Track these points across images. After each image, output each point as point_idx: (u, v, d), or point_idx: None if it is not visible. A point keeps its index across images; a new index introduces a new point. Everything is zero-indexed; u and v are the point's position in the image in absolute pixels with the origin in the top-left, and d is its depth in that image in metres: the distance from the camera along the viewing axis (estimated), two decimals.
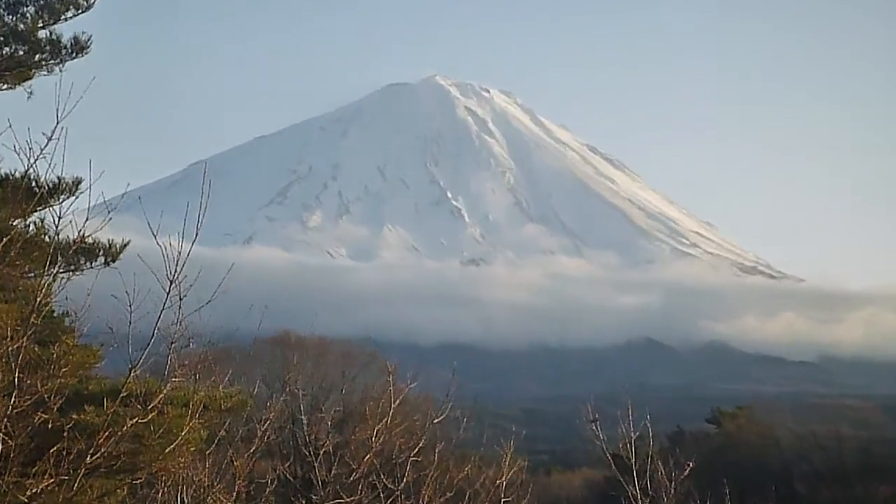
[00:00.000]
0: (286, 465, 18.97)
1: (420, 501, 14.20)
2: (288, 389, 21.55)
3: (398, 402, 14.59)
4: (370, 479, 14.05)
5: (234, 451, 13.76)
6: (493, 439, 16.11)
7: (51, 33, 12.10)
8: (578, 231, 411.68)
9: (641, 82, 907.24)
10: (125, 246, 12.16)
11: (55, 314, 11.37)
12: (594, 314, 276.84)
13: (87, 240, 10.71)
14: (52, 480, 9.54)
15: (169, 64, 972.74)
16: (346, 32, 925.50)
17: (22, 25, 11.92)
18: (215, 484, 12.68)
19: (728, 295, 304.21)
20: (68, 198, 11.15)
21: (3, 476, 9.35)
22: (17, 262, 10.61)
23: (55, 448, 9.54)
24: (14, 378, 9.18)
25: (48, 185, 11.08)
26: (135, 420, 9.62)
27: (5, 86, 12.16)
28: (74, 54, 12.12)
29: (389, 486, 13.93)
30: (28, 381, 9.37)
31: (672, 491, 13.94)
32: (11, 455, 9.34)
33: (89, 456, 9.49)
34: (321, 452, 14.77)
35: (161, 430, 10.05)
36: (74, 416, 9.76)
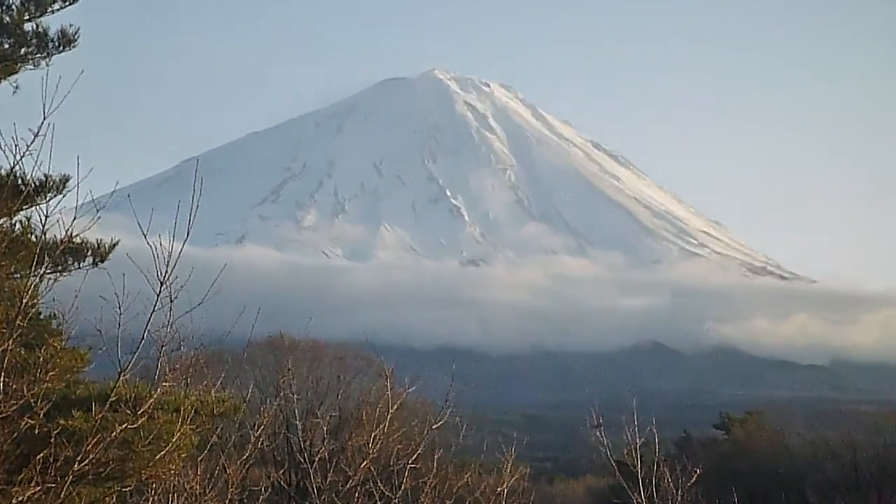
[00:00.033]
0: (280, 472, 18.89)
1: None
2: (282, 394, 21.34)
3: (396, 407, 14.43)
4: (367, 486, 13.87)
5: (226, 458, 13.77)
6: (493, 446, 16.02)
7: (37, 26, 12.10)
8: (582, 230, 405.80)
9: (648, 76, 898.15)
10: (114, 246, 12.15)
11: (42, 316, 11.34)
12: (598, 316, 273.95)
13: (74, 239, 10.67)
14: (38, 488, 9.47)
15: (159, 57, 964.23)
16: (342, 24, 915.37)
17: (7, 17, 11.93)
18: (207, 491, 12.62)
19: (737, 297, 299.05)
20: (55, 196, 11.14)
21: None
22: (3, 263, 10.60)
23: (42, 454, 9.46)
24: None
25: (35, 183, 11.02)
26: (124, 426, 9.54)
27: None
28: (62, 47, 12.12)
29: (387, 493, 13.79)
30: (14, 386, 9.32)
31: (679, 499, 13.81)
32: None
33: (77, 463, 9.41)
34: (316, 459, 14.58)
35: (151, 436, 9.97)
36: (62, 422, 9.67)
